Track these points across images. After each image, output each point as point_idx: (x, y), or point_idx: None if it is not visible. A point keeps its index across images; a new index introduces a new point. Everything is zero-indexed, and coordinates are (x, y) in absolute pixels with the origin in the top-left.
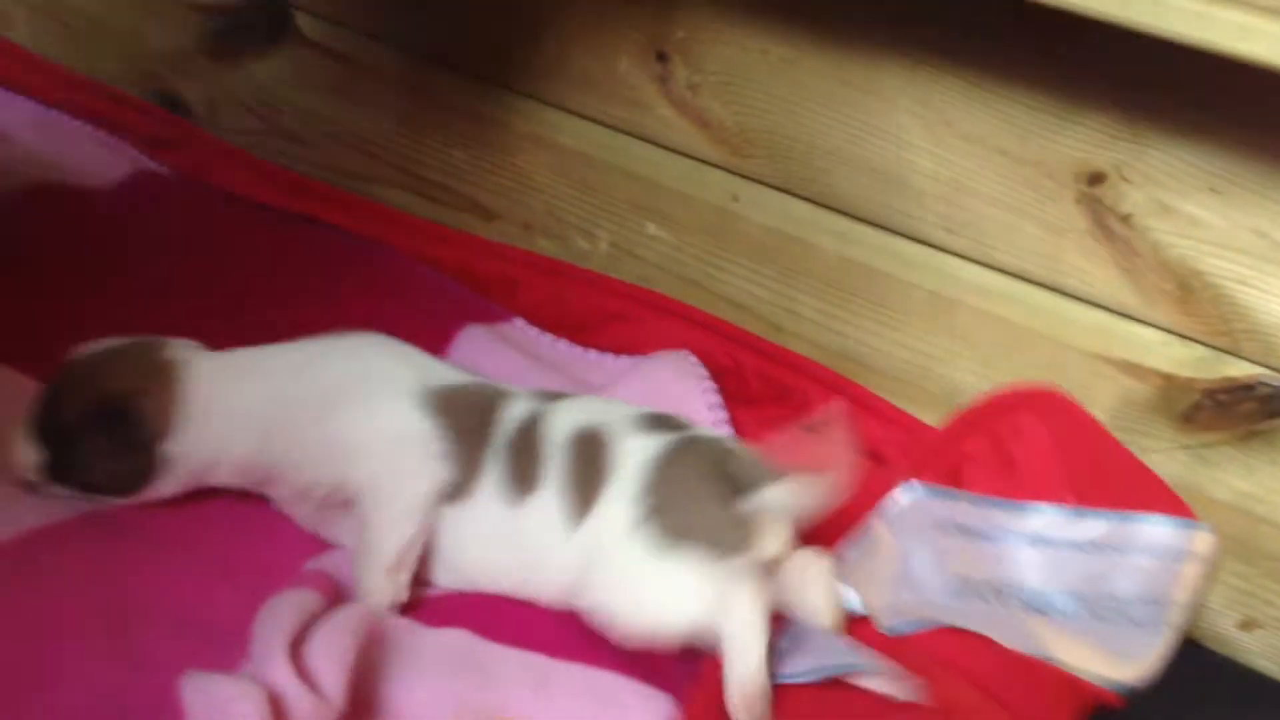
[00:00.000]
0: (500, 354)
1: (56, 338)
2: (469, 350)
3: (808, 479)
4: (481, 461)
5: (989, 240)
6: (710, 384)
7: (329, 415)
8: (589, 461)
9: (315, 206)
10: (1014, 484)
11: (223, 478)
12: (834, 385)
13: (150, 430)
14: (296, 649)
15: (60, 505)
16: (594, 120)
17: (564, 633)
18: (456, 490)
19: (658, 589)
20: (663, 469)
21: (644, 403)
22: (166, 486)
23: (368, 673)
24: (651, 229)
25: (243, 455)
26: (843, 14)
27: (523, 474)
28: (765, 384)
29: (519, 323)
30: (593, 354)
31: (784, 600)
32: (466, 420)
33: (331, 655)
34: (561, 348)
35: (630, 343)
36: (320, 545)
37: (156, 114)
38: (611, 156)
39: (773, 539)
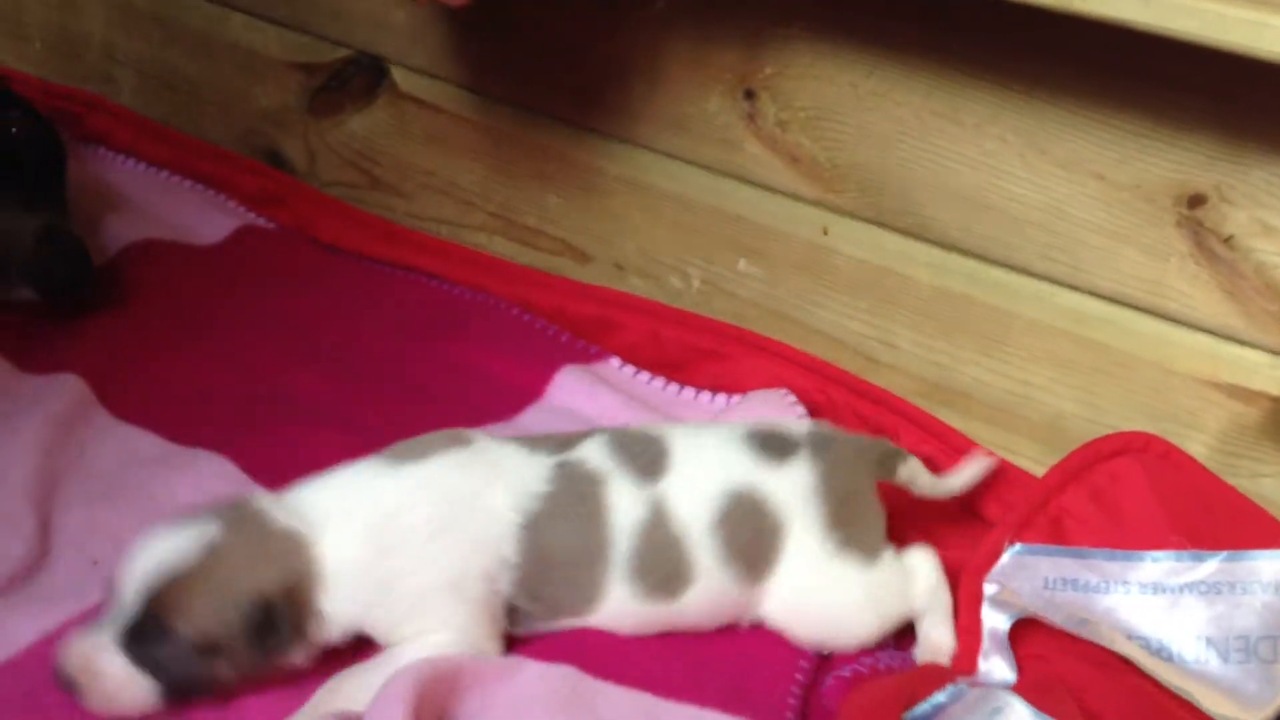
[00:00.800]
0: (597, 393)
1: (170, 390)
2: (567, 390)
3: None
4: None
5: (1088, 266)
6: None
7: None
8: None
9: (413, 255)
10: (1120, 534)
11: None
12: (927, 426)
13: (288, 631)
14: None
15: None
16: (685, 160)
17: (669, 669)
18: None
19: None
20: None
21: None
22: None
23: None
24: (743, 266)
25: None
26: (931, 46)
27: (667, 580)
28: (859, 421)
29: (615, 362)
30: (688, 392)
31: None
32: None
33: (391, 697)
34: (657, 386)
35: (725, 380)
36: None
37: (259, 170)
38: (702, 195)
39: None
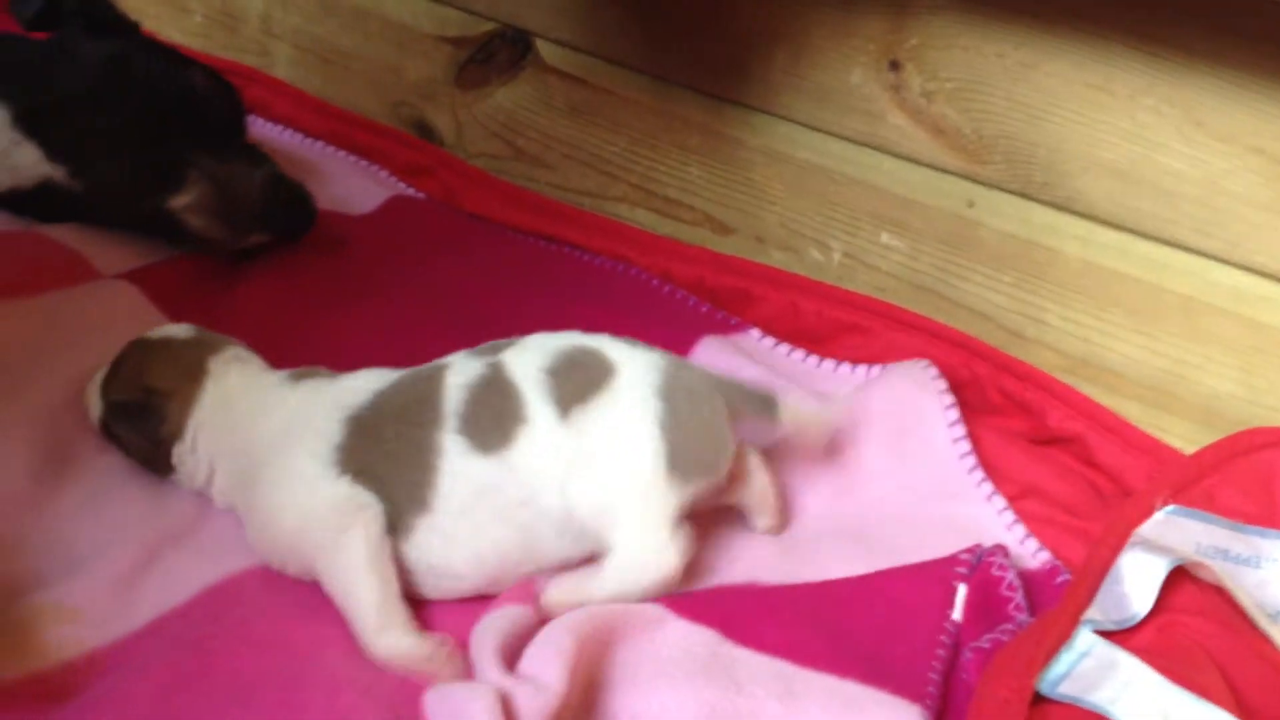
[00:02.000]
0: (737, 364)
1: (321, 352)
2: (706, 361)
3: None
4: (431, 457)
5: (1245, 242)
6: (949, 396)
7: (257, 485)
8: (583, 373)
9: (557, 226)
10: (1274, 514)
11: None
12: (1074, 404)
13: (164, 431)
14: (514, 654)
15: (229, 560)
16: (827, 132)
17: (808, 639)
18: (409, 509)
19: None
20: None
21: (883, 415)
22: (184, 482)
23: (605, 672)
24: (886, 238)
25: (223, 497)
26: (1083, 14)
27: (496, 422)
28: (1004, 397)
29: (754, 334)
30: (828, 364)
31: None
32: (397, 430)
33: (548, 647)
34: (796, 358)
35: (865, 353)
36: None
37: (409, 142)
38: (845, 168)
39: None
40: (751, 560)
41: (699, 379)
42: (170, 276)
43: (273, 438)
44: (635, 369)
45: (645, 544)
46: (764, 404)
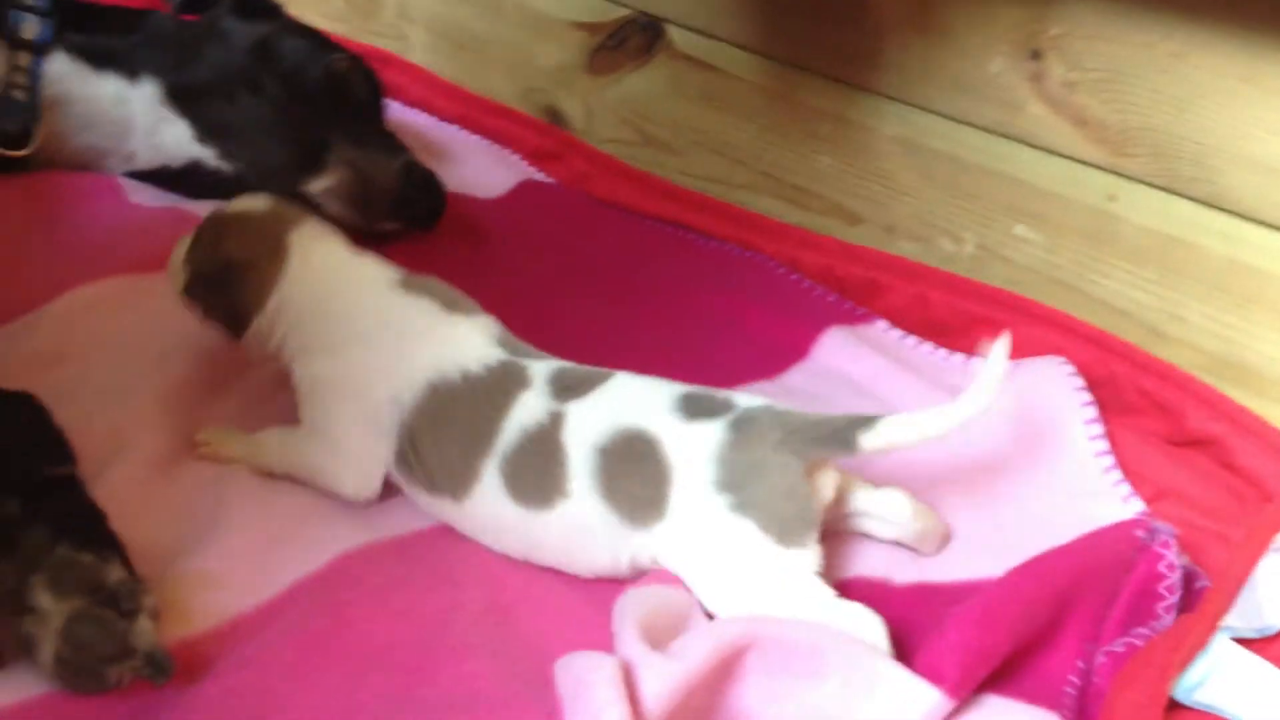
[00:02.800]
0: (863, 356)
1: None
2: (832, 352)
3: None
4: (470, 473)
5: None
6: (1086, 394)
7: (325, 382)
8: (636, 468)
9: (684, 212)
10: None
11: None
12: (1215, 404)
13: (244, 300)
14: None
15: (362, 531)
16: (963, 122)
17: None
18: (445, 488)
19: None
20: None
21: (1017, 411)
22: (254, 347)
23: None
24: (1021, 231)
25: (287, 362)
26: (1233, 5)
27: (538, 485)
28: (1141, 396)
29: (881, 325)
30: (957, 358)
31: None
32: (448, 427)
33: (703, 635)
34: (924, 351)
35: None
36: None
37: (540, 127)
38: (981, 158)
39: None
40: (886, 557)
41: (761, 442)
42: None
43: (362, 341)
44: (690, 464)
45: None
46: (839, 441)
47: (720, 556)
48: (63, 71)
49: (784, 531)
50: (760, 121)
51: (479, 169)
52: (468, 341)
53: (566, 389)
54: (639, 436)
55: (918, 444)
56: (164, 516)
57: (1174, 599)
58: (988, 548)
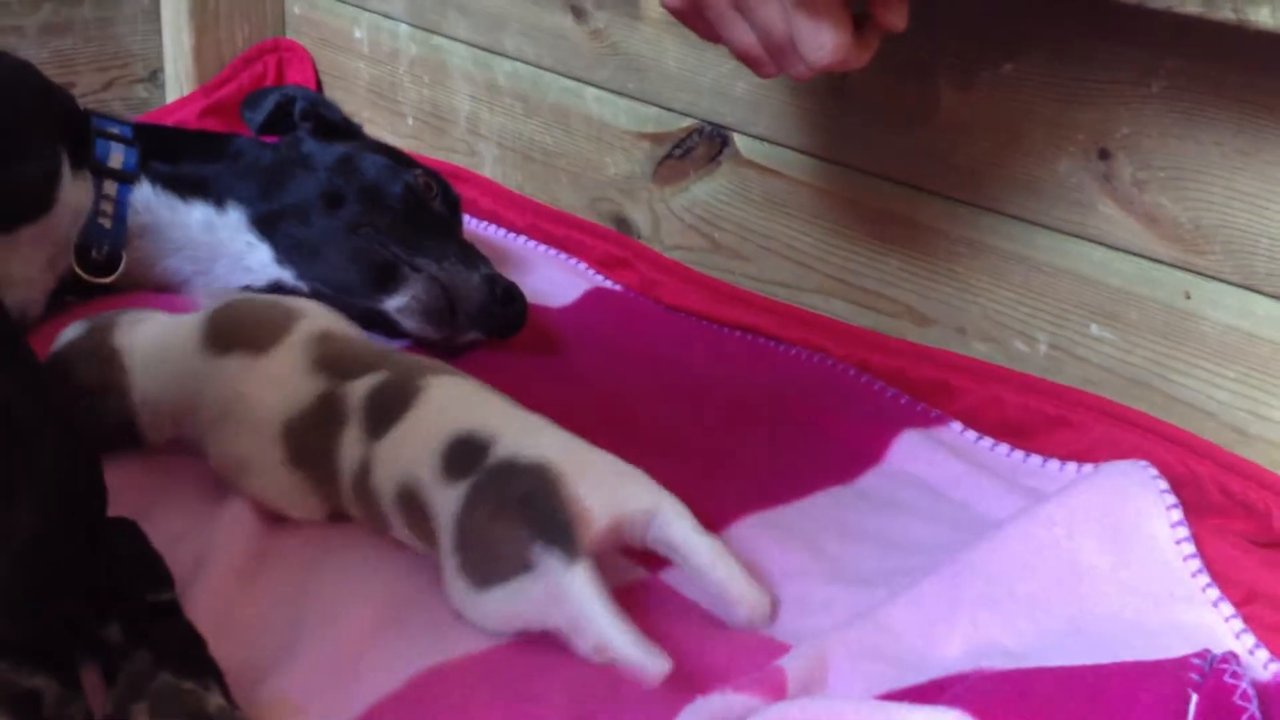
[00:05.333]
0: (939, 459)
1: None
2: (907, 455)
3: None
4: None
5: None
6: (1170, 496)
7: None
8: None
9: (753, 316)
10: None
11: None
12: None
13: (121, 416)
14: None
15: (441, 645)
16: (1033, 222)
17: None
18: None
19: (482, 618)
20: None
21: (1100, 512)
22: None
23: None
24: (1095, 330)
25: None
26: None
27: (375, 516)
28: (1226, 496)
29: (956, 427)
30: (1035, 460)
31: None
32: (314, 460)
33: None
34: (1000, 453)
35: (1075, 449)
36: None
37: (607, 235)
38: (1052, 258)
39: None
40: (979, 646)
41: (484, 509)
42: None
43: (215, 413)
44: (444, 521)
45: None
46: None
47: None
48: (149, 200)
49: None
50: (827, 225)
51: (548, 278)
52: (290, 379)
53: (375, 424)
54: (416, 493)
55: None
56: (245, 636)
57: (1253, 709)
58: (1073, 643)
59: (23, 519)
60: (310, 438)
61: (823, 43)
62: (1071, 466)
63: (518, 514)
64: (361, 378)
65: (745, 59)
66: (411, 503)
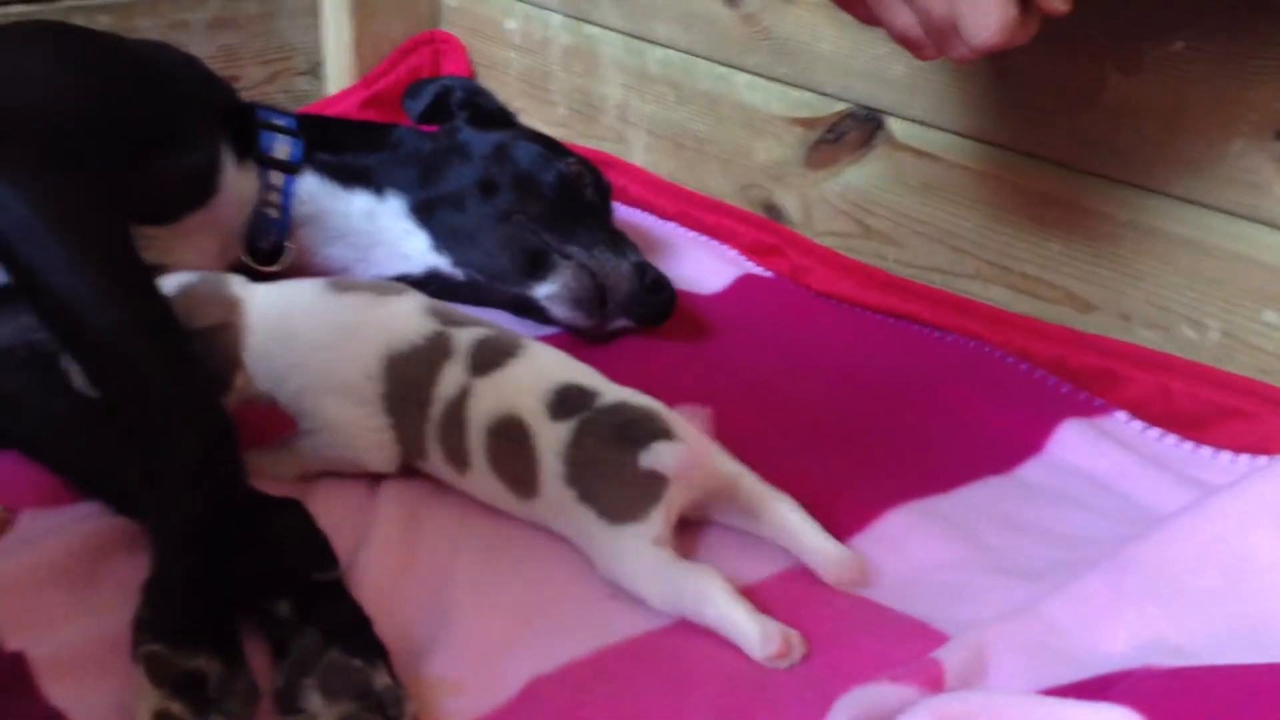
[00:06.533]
0: (1103, 450)
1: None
2: (1069, 445)
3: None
4: (424, 435)
5: None
6: None
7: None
8: (514, 449)
9: (907, 303)
10: None
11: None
12: None
13: (225, 361)
14: None
15: (597, 634)
16: (1202, 205)
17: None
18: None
19: (624, 563)
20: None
21: (1272, 510)
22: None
23: None
24: (1271, 317)
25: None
26: None
27: (456, 453)
28: None
29: (1121, 417)
30: (1205, 451)
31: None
32: (407, 394)
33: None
34: (1169, 444)
35: (1249, 440)
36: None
37: (758, 222)
38: (1222, 241)
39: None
40: (1146, 642)
41: (595, 440)
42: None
43: (322, 346)
44: (548, 456)
45: None
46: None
47: (578, 533)
48: (313, 189)
49: (617, 514)
50: (985, 209)
51: (698, 265)
52: (405, 318)
53: (480, 363)
54: (517, 424)
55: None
56: (404, 616)
57: None
58: (1247, 641)
59: (174, 503)
60: (409, 369)
61: (987, 24)
62: (1244, 459)
63: (619, 433)
64: (469, 327)
65: (904, 42)
66: (506, 434)
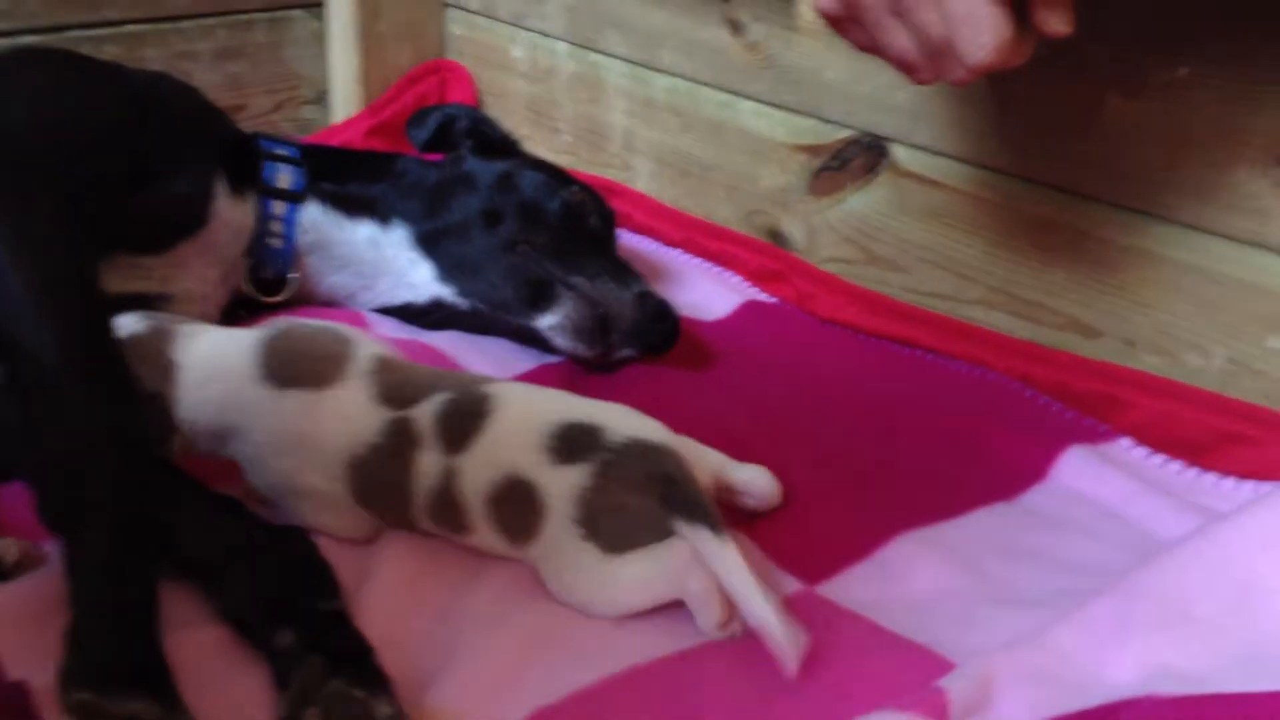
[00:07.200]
0: (1108, 476)
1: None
2: (1074, 472)
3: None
4: (411, 517)
5: None
6: None
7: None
8: (517, 509)
9: (911, 329)
10: None
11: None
12: None
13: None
14: None
15: (600, 664)
16: (1206, 231)
17: None
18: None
19: (612, 585)
20: (587, 501)
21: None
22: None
23: None
24: (1275, 343)
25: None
26: None
27: (453, 524)
28: None
29: (1125, 443)
30: (1210, 477)
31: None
32: (383, 489)
33: None
34: (1174, 470)
35: (1256, 467)
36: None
37: (762, 248)
38: (1227, 268)
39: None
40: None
41: (622, 487)
42: (549, 377)
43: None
44: (558, 500)
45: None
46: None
47: (582, 575)
48: (317, 219)
49: (658, 535)
50: (989, 235)
51: (703, 291)
52: (354, 417)
53: (454, 439)
54: (520, 484)
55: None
56: (408, 647)
57: None
58: (1249, 678)
59: (95, 547)
60: (379, 469)
61: (982, 43)
62: (1249, 485)
63: (658, 488)
64: (425, 399)
65: (901, 65)
66: (509, 496)
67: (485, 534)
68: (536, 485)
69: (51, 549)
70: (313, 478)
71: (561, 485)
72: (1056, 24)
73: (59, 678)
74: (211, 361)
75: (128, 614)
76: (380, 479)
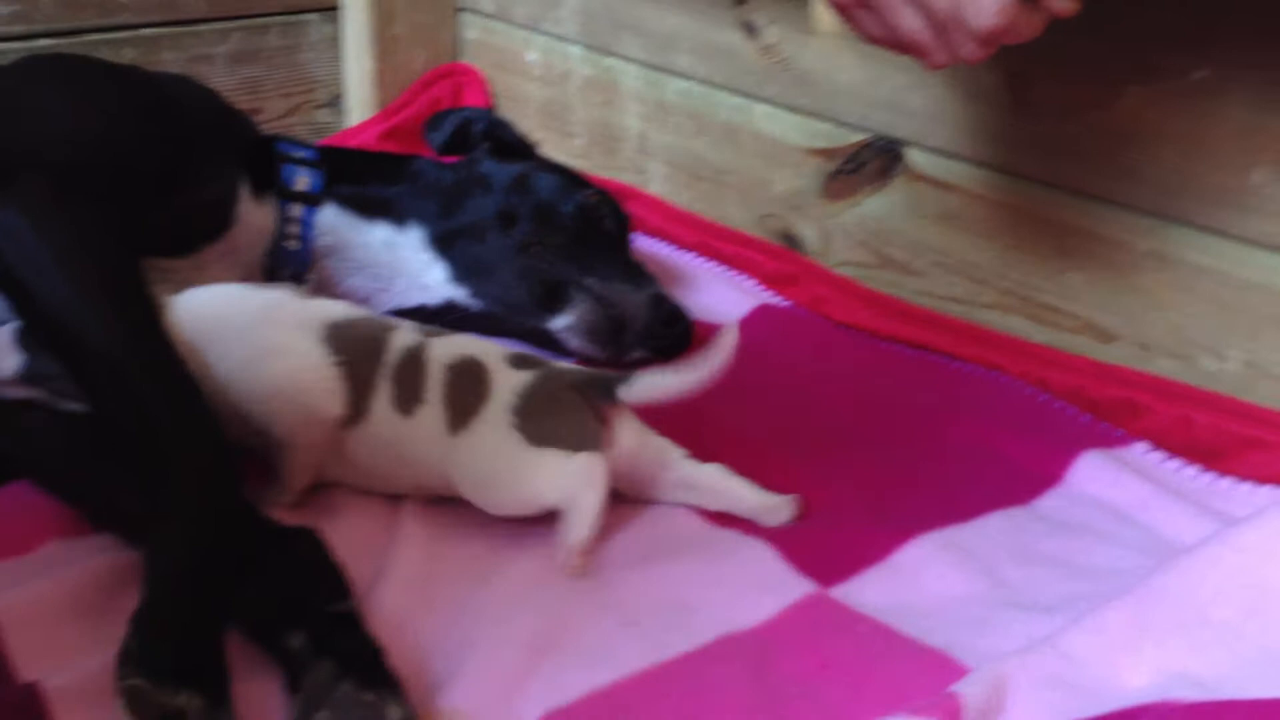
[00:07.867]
0: (1124, 481)
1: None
2: (1089, 477)
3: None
4: (374, 387)
5: None
6: None
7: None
8: (469, 384)
9: (925, 333)
10: None
11: None
12: None
13: None
14: None
15: (613, 664)
16: (1224, 234)
17: None
18: (355, 415)
19: (528, 477)
20: (529, 393)
21: None
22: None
23: None
24: None
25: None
26: None
27: (410, 394)
28: None
29: (1141, 448)
30: (1226, 482)
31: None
32: (358, 353)
33: None
34: (1190, 475)
35: (1273, 471)
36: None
37: (775, 251)
38: (1245, 272)
39: (625, 435)
40: (1167, 675)
41: (556, 385)
42: None
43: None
44: (501, 390)
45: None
46: (603, 389)
47: (500, 462)
48: (334, 221)
49: (579, 444)
50: (1004, 239)
51: (716, 294)
52: (334, 306)
53: (430, 333)
54: (477, 365)
55: (672, 396)
56: (420, 648)
57: None
58: (1266, 683)
59: (172, 533)
60: (354, 332)
61: (987, 3)
62: (1266, 490)
63: (586, 390)
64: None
65: (913, 48)
66: (466, 370)
67: (430, 412)
68: (488, 371)
69: (53, 548)
70: (289, 336)
71: (510, 380)
72: (1063, 1)
73: (118, 657)
74: (200, 296)
75: (198, 610)
76: (356, 338)
